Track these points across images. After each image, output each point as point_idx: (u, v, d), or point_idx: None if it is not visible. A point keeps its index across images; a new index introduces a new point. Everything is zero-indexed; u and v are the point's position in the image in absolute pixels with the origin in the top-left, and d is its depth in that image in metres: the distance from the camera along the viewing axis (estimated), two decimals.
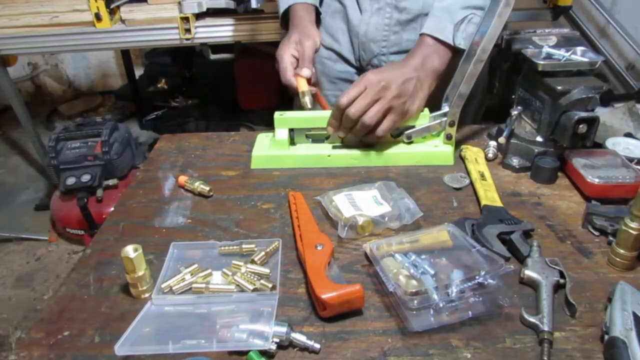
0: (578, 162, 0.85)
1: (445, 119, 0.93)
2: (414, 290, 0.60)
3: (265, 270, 0.68)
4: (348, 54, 1.17)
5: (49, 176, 2.25)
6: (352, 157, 0.95)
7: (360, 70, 1.18)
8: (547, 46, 0.90)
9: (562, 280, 0.64)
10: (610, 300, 0.60)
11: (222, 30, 2.05)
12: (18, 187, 2.82)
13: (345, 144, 0.96)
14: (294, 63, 1.00)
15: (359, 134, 0.92)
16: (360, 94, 0.88)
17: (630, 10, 2.13)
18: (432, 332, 0.59)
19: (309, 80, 0.98)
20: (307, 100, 0.94)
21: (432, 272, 0.64)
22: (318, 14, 1.14)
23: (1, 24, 2.02)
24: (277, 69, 1.02)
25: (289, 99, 1.34)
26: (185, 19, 1.98)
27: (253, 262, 0.69)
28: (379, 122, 0.90)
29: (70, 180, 1.90)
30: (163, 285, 0.66)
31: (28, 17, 2.02)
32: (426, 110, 0.95)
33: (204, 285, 0.66)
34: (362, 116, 0.88)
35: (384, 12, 1.08)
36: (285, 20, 1.13)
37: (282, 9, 1.12)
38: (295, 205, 0.81)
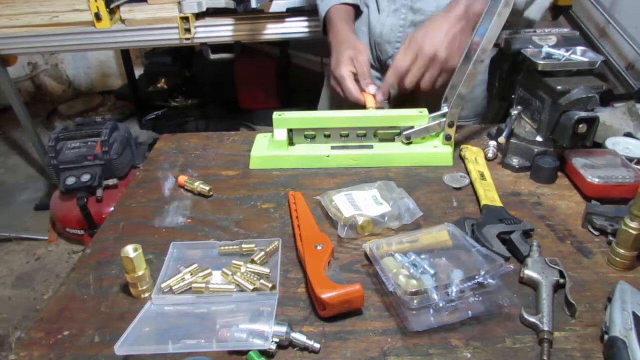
0: (578, 162, 0.85)
1: (444, 119, 0.93)
2: (414, 290, 0.60)
3: (265, 270, 0.68)
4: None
5: (49, 176, 2.25)
6: (351, 158, 0.95)
7: (378, 70, 1.18)
8: (547, 46, 0.90)
9: (562, 280, 0.64)
10: (610, 300, 0.60)
11: (222, 30, 2.05)
12: (18, 187, 2.82)
13: (345, 145, 0.96)
14: (354, 84, 1.01)
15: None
16: (412, 63, 0.95)
17: (630, 10, 2.13)
18: (432, 332, 0.59)
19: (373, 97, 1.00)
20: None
21: (432, 272, 0.64)
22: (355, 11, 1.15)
23: (1, 24, 2.02)
24: (337, 87, 1.04)
25: (288, 99, 1.34)
26: (185, 19, 1.98)
27: (253, 262, 0.69)
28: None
29: (70, 180, 1.90)
30: (163, 285, 0.66)
31: (28, 17, 2.02)
32: (425, 111, 0.95)
33: (204, 285, 0.66)
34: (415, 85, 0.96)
35: (399, 14, 1.07)
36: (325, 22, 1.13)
37: (323, 13, 1.11)
38: (295, 205, 0.81)
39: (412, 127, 0.94)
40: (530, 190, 0.86)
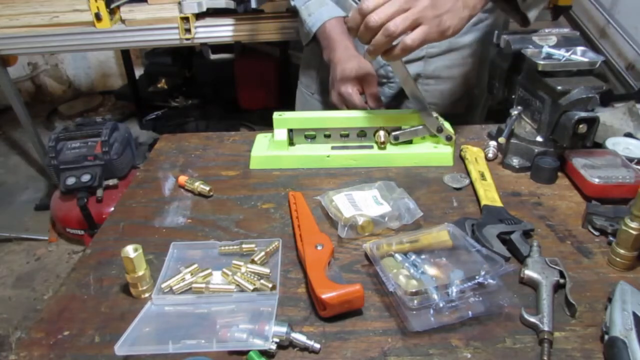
0: (578, 162, 0.85)
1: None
2: (414, 290, 0.60)
3: (265, 270, 0.68)
4: None
5: (49, 176, 2.26)
6: (351, 158, 0.95)
7: None
8: (547, 46, 0.90)
9: (562, 280, 0.64)
10: (610, 300, 0.60)
11: (222, 30, 2.05)
12: (18, 187, 2.82)
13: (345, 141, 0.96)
14: (361, 99, 1.02)
15: (380, 46, 0.79)
16: (386, 1, 0.77)
17: (630, 10, 2.13)
18: (432, 332, 0.59)
19: None
20: (380, 134, 0.94)
21: (432, 272, 0.64)
22: None
23: (1, 24, 2.02)
24: (341, 104, 1.03)
25: (288, 99, 1.34)
26: (185, 19, 1.99)
27: (253, 262, 0.69)
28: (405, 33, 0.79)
29: (70, 180, 1.90)
30: (163, 285, 0.66)
31: (28, 17, 2.02)
32: None
33: (204, 285, 0.66)
34: (385, 24, 0.76)
35: None
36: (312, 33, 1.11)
37: (313, 28, 1.09)
38: (295, 205, 0.81)
39: (400, 128, 0.94)
40: (530, 190, 0.86)
